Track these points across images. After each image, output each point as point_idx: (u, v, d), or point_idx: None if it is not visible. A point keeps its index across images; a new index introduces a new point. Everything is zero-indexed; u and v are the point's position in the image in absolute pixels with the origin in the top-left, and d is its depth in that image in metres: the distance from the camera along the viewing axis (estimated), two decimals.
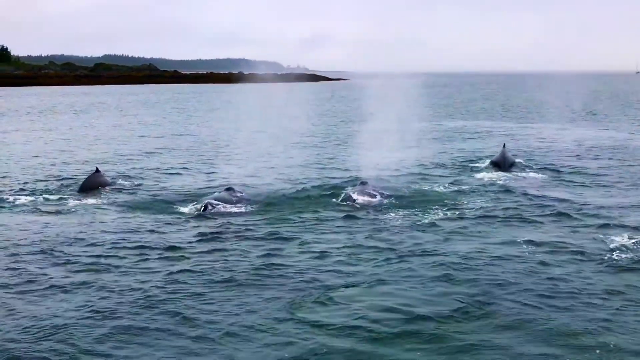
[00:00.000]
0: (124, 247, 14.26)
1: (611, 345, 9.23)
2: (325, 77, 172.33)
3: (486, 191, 20.24)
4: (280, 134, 36.28)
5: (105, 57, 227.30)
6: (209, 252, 13.93)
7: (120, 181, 22.68)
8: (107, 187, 21.36)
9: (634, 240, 14.14)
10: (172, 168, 26.28)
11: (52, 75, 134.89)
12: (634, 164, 26.59)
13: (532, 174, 23.89)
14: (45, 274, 12.44)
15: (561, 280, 11.90)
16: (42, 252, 13.91)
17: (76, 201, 19.25)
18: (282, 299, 11.12)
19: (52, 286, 11.79)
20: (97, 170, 22.37)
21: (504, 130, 42.05)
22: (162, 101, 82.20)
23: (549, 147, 32.47)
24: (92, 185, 21.14)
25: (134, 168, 26.15)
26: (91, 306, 10.81)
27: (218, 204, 17.94)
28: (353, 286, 11.71)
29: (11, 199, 19.53)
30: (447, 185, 21.42)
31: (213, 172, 25.10)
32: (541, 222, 16.32)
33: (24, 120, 50.85)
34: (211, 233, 15.47)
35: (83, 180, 21.78)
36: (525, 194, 19.68)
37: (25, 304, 10.96)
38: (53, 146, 33.90)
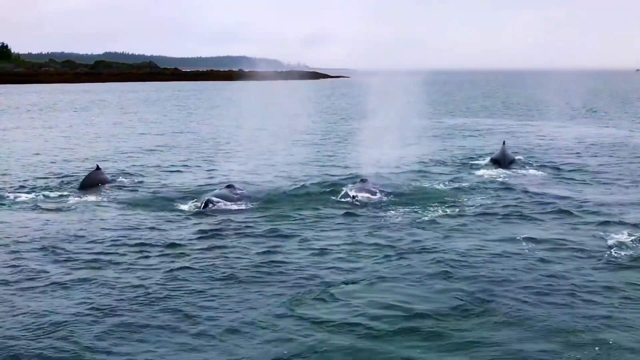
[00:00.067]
0: (125, 245, 14.29)
1: (610, 342, 9.26)
2: (325, 74, 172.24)
3: (486, 188, 20.27)
4: (281, 131, 36.29)
5: (106, 54, 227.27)
6: (209, 249, 13.96)
7: (120, 178, 22.70)
8: (107, 185, 21.39)
9: (633, 238, 14.17)
10: (172, 165, 26.30)
11: (52, 72, 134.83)
12: (634, 161, 26.61)
13: (532, 172, 23.91)
14: (45, 271, 12.47)
15: (561, 278, 11.93)
16: (43, 249, 13.94)
17: (76, 198, 19.27)
18: (282, 295, 11.15)
19: (52, 283, 11.82)
20: (98, 168, 22.39)
21: (504, 128, 42.04)
22: (163, 99, 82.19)
23: (549, 144, 32.48)
24: (93, 182, 21.17)
25: (134, 165, 26.17)
26: (91, 303, 10.84)
27: (218, 201, 17.96)
28: (353, 283, 11.75)
29: (12, 196, 19.55)
30: (447, 182, 21.44)
31: (213, 170, 25.12)
32: (541, 220, 16.35)
33: (25, 118, 50.85)
34: (211, 230, 15.50)
35: (83, 177, 21.80)
36: (525, 192, 19.71)
37: (25, 300, 10.99)
38: (53, 144, 33.92)
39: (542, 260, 12.99)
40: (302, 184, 21.15)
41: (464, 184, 21.01)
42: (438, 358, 8.94)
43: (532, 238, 14.50)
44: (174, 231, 15.47)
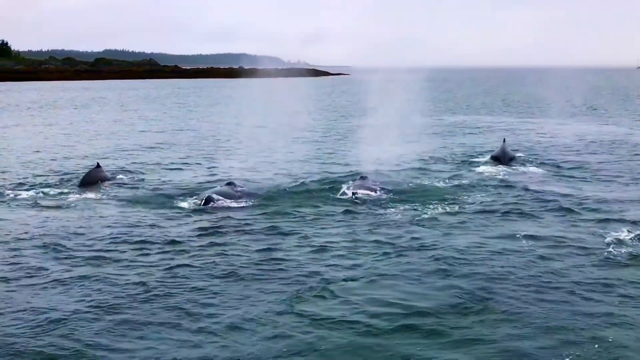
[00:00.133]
0: (125, 242, 14.30)
1: (610, 340, 9.26)
2: (325, 72, 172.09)
3: (486, 186, 20.28)
4: (281, 129, 36.30)
5: (106, 52, 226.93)
6: (209, 246, 13.97)
7: (120, 176, 22.72)
8: (107, 182, 21.40)
9: (633, 235, 14.18)
10: (172, 163, 26.32)
11: (52, 70, 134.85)
12: (634, 159, 26.61)
13: (532, 169, 23.92)
14: (45, 268, 12.49)
15: (560, 275, 11.94)
16: (43, 246, 13.95)
17: (77, 196, 19.29)
18: (282, 292, 11.17)
19: (52, 280, 11.84)
20: (98, 165, 22.40)
21: (504, 125, 42.04)
22: (163, 96, 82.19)
23: (549, 142, 32.47)
24: (93, 180, 21.19)
25: (134, 163, 26.18)
26: (92, 300, 10.86)
27: (219, 199, 17.98)
28: (353, 280, 11.76)
29: (12, 193, 19.57)
30: (446, 180, 21.45)
31: (213, 167, 25.14)
32: (540, 217, 16.36)
33: (25, 115, 50.86)
34: (212, 227, 15.51)
35: (83, 175, 21.81)
36: (525, 189, 19.72)
37: (25, 298, 11.00)
38: (54, 141, 33.93)
39: (541, 257, 13.00)
40: (302, 181, 21.17)
41: (463, 182, 21.02)
42: (437, 355, 8.94)
43: (532, 235, 14.51)
44: (174, 228, 15.48)
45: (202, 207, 17.56)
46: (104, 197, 19.23)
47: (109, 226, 15.66)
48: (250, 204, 18.08)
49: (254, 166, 24.78)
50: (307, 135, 35.59)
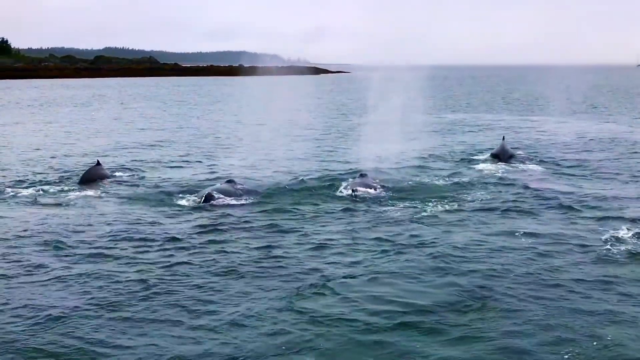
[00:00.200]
0: (125, 239, 14.32)
1: (609, 338, 9.26)
2: (325, 69, 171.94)
3: (485, 183, 20.30)
4: (281, 126, 36.30)
5: (106, 49, 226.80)
6: (209, 243, 13.99)
7: (120, 173, 22.73)
8: (107, 180, 21.41)
9: (632, 233, 14.20)
10: (172, 161, 26.33)
11: (52, 67, 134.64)
12: (634, 157, 26.64)
13: (531, 167, 23.95)
14: (45, 266, 12.50)
15: (559, 272, 11.96)
16: (42, 243, 13.96)
17: (77, 193, 19.30)
18: (282, 290, 11.19)
19: (52, 277, 11.85)
20: (98, 163, 22.41)
21: (504, 123, 42.07)
22: (163, 94, 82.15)
23: (549, 139, 32.50)
24: (93, 177, 21.19)
25: (134, 160, 26.19)
26: (91, 297, 10.87)
27: (219, 196, 18.00)
28: (352, 277, 11.78)
29: (12, 191, 19.59)
30: (446, 177, 21.47)
31: (213, 165, 25.16)
32: (540, 214, 16.38)
33: (25, 113, 50.85)
34: (211, 225, 15.53)
35: (83, 172, 21.82)
36: (525, 186, 19.74)
37: (25, 295, 11.02)
38: (54, 139, 33.93)
39: (540, 255, 13.02)
40: (301, 179, 21.18)
41: (463, 179, 21.04)
42: (437, 352, 8.95)
43: (531, 233, 14.54)
44: (174, 226, 15.50)
45: (202, 204, 17.58)
46: (103, 194, 19.25)
47: (109, 223, 15.68)
48: (250, 201, 18.10)
49: (254, 164, 24.79)
50: (307, 133, 35.60)
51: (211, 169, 24.25)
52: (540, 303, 10.52)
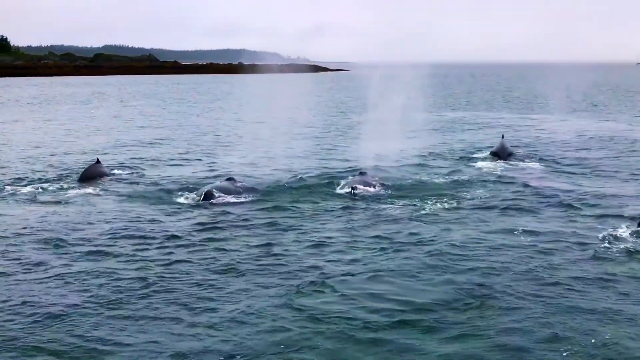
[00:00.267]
0: (124, 237, 14.34)
1: (607, 336, 9.29)
2: (325, 67, 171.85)
3: (484, 182, 20.32)
4: (281, 124, 36.29)
5: (105, 47, 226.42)
6: (208, 241, 14.01)
7: (120, 171, 22.74)
8: (107, 177, 21.42)
9: (631, 231, 14.22)
10: (172, 159, 26.33)
11: (51, 65, 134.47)
12: (633, 155, 26.65)
13: (531, 165, 23.97)
14: (45, 263, 12.52)
15: (558, 270, 11.98)
16: (42, 241, 13.99)
17: (76, 191, 19.31)
18: (281, 287, 11.21)
19: (51, 275, 11.87)
20: (98, 161, 22.42)
21: (504, 121, 42.08)
22: (162, 92, 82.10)
23: (549, 138, 32.52)
24: (92, 175, 21.20)
25: (134, 158, 26.20)
26: (91, 295, 10.90)
27: (218, 194, 18.02)
28: (351, 275, 11.80)
29: (11, 188, 19.60)
30: (445, 175, 21.49)
31: (213, 163, 25.17)
32: (539, 212, 16.41)
33: (25, 111, 50.83)
34: (211, 222, 15.55)
35: (83, 170, 21.82)
36: (524, 184, 19.77)
37: (25, 292, 11.04)
38: (53, 136, 33.93)
39: (540, 252, 13.05)
40: (301, 177, 21.19)
41: (462, 177, 21.07)
42: (436, 350, 8.98)
43: (530, 231, 14.56)
44: (174, 223, 15.52)
45: (201, 202, 17.59)
46: (103, 192, 19.26)
47: (108, 221, 15.69)
48: (250, 199, 18.12)
49: (254, 162, 24.81)
50: (306, 131, 35.59)
51: (211, 166, 24.26)
52: (539, 301, 10.55)
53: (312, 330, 9.51)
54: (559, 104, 52.40)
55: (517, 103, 61.47)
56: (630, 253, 12.95)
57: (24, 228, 15.02)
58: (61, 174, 22.20)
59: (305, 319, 9.91)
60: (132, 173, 22.60)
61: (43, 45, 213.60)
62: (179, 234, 14.49)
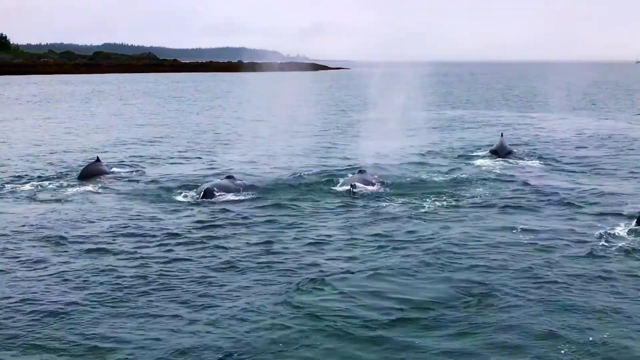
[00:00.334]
0: (124, 234, 14.37)
1: (605, 334, 9.30)
2: (325, 66, 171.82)
3: (483, 180, 20.34)
4: (280, 122, 36.31)
5: (105, 45, 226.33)
6: (208, 238, 14.04)
7: (120, 169, 22.76)
8: (106, 175, 21.44)
9: (629, 229, 14.26)
10: (171, 157, 26.34)
11: (51, 63, 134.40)
12: (632, 153, 26.68)
13: (529, 163, 24.00)
14: (44, 261, 12.55)
15: (557, 268, 12.00)
16: (42, 239, 14.01)
17: (76, 189, 19.33)
18: (280, 284, 11.23)
19: (51, 272, 11.90)
20: (98, 159, 22.44)
21: (503, 120, 42.08)
22: (162, 90, 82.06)
23: (548, 136, 32.53)
24: (92, 173, 21.22)
25: (134, 156, 26.21)
26: (90, 292, 10.93)
27: (218, 192, 18.04)
28: (350, 273, 11.82)
29: (11, 186, 19.62)
30: (444, 173, 21.51)
31: (213, 161, 25.19)
32: (537, 210, 16.43)
33: (24, 109, 50.81)
34: (210, 220, 15.57)
35: (82, 168, 21.83)
36: (522, 183, 19.80)
37: (24, 289, 11.06)
38: (53, 134, 33.92)
39: (538, 250, 13.08)
40: (301, 174, 21.22)
41: (461, 175, 21.10)
42: (435, 347, 9.00)
43: (529, 228, 14.59)
44: (174, 221, 15.54)
45: (201, 200, 17.62)
46: (103, 190, 19.28)
47: (108, 219, 15.71)
48: (249, 197, 18.14)
49: (253, 160, 24.84)
50: (306, 129, 35.59)
51: (210, 164, 24.28)
52: (537, 298, 10.57)
53: (311, 328, 9.54)
54: (559, 103, 52.42)
55: (516, 101, 61.47)
56: (628, 251, 12.97)
57: (24, 226, 15.04)
58: (61, 172, 22.22)
59: (305, 316, 9.93)
60: (132, 171, 22.62)
61: (42, 44, 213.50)
62: (179, 232, 14.51)
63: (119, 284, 11.30)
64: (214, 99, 64.64)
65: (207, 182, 19.57)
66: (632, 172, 22.11)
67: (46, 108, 52.14)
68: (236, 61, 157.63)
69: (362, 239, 13.97)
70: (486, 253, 12.93)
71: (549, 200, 17.44)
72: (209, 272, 11.91)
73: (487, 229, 14.62)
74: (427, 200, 17.46)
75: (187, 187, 19.49)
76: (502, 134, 28.09)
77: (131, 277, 11.61)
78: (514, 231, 14.43)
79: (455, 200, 17.50)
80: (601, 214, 15.90)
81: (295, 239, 14.03)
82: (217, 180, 19.41)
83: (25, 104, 56.41)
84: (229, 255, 12.83)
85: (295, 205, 17.08)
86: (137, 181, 20.76)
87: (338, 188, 19.07)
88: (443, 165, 23.37)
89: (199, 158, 26.05)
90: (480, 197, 17.88)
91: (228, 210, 16.48)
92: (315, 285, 11.14)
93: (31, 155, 26.31)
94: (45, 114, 47.02)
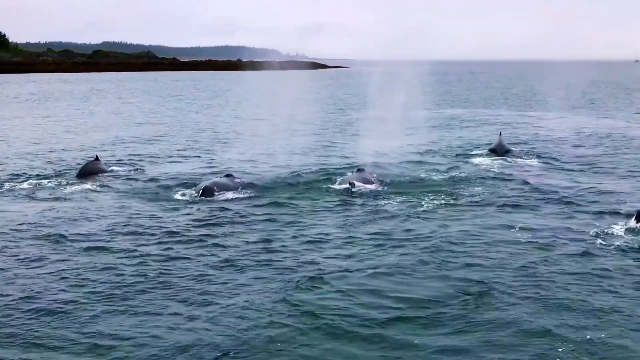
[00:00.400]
0: (123, 232, 14.38)
1: (603, 333, 9.32)
2: (324, 64, 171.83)
3: (482, 178, 20.37)
4: (279, 121, 36.34)
5: (104, 44, 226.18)
6: (206, 236, 14.05)
7: (118, 168, 22.76)
8: (105, 174, 21.45)
9: (628, 228, 14.29)
10: (171, 155, 26.35)
11: (50, 62, 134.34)
12: (630, 152, 26.70)
13: (528, 161, 24.02)
14: (43, 259, 12.56)
15: (555, 267, 12.03)
16: (41, 237, 14.01)
17: (74, 187, 19.34)
18: (278, 282, 11.25)
19: (50, 270, 11.90)
20: (97, 158, 22.46)
21: (502, 119, 42.10)
22: (161, 88, 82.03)
23: (547, 135, 32.55)
24: (91, 171, 21.24)
25: (132, 155, 26.22)
26: (89, 290, 10.94)
27: (217, 190, 18.06)
28: (349, 271, 11.84)
29: (10, 184, 19.63)
30: (443, 172, 21.54)
31: (212, 159, 25.20)
32: (536, 209, 16.45)
33: (23, 107, 50.79)
34: (209, 218, 15.59)
35: (81, 166, 21.83)
36: (521, 181, 19.83)
37: (23, 288, 11.07)
38: (52, 133, 33.93)
39: (536, 249, 13.10)
40: (300, 173, 21.23)
41: (460, 174, 21.12)
42: (433, 345, 9.02)
43: (527, 227, 14.61)
44: (172, 219, 15.56)
45: (199, 198, 17.63)
46: (102, 188, 19.29)
47: (107, 217, 15.73)
48: (248, 195, 18.16)
49: (252, 158, 24.85)
50: (305, 128, 35.60)
51: (209, 163, 24.29)
52: (535, 297, 10.60)
53: (310, 326, 9.56)
54: (558, 102, 52.47)
55: (515, 100, 61.49)
56: (626, 250, 13.00)
57: (23, 224, 15.05)
58: (60, 171, 22.23)
59: (303, 314, 9.95)
60: (131, 169, 22.63)
61: (41, 42, 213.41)
62: (178, 230, 14.53)
63: (118, 281, 11.32)
64: (213, 98, 64.62)
65: (206, 180, 19.59)
66: (630, 171, 22.15)
67: (45, 106, 52.12)
68: (235, 60, 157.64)
69: (361, 237, 13.99)
70: (484, 251, 12.95)
71: (547, 198, 17.47)
72: (208, 270, 11.93)
73: (485, 227, 14.65)
74: (426, 198, 17.49)
75: (186, 185, 19.51)
76: (500, 132, 28.13)
77: (130, 275, 11.63)
78: (512, 229, 14.46)
79: (454, 198, 17.53)
80: (599, 212, 15.93)
81: (293, 237, 14.05)
82: (216, 179, 19.43)
83: (24, 102, 56.39)
84: (228, 253, 12.85)
85: (294, 204, 17.10)
86: (136, 179, 20.77)
87: (337, 186, 19.09)
88: (442, 164, 23.39)
89: (198, 156, 26.07)
90: (479, 195, 17.90)
91: (227, 209, 16.50)
92: (314, 284, 11.16)
93: (30, 153, 26.32)
94: (44, 112, 47.01)
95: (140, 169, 22.72)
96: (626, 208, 16.19)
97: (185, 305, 10.33)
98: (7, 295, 10.74)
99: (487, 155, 25.19)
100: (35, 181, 20.21)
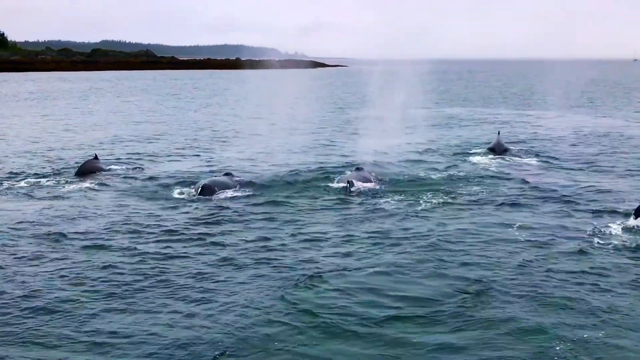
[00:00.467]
0: (121, 231, 14.39)
1: (600, 333, 9.33)
2: (323, 63, 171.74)
3: (480, 177, 20.40)
4: (278, 120, 36.35)
5: (103, 42, 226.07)
6: (205, 235, 14.07)
7: (117, 166, 22.77)
8: (104, 172, 21.46)
9: (626, 226, 14.32)
10: (169, 154, 26.36)
11: (49, 60, 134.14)
12: (629, 151, 26.73)
13: (527, 160, 24.05)
14: (42, 257, 12.57)
15: (553, 265, 12.05)
16: (39, 235, 14.02)
17: (73, 186, 19.35)
18: (277, 280, 11.27)
19: (48, 269, 11.91)
20: (95, 157, 22.47)
21: (501, 117, 42.12)
22: (160, 87, 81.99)
23: (546, 133, 32.58)
24: (90, 170, 21.24)
25: (131, 153, 26.23)
26: (87, 288, 10.96)
27: (216, 188, 18.08)
28: (347, 269, 11.86)
29: (9, 183, 19.63)
30: (442, 171, 21.56)
31: (211, 158, 25.21)
32: (534, 207, 16.47)
33: (22, 106, 50.77)
34: (208, 216, 15.61)
35: (80, 165, 21.84)
36: (519, 180, 19.86)
37: (21, 286, 11.08)
38: (51, 132, 33.92)
39: (534, 247, 13.12)
40: (298, 171, 21.25)
41: (458, 173, 21.15)
42: (431, 343, 9.03)
43: (525, 225, 14.63)
44: (171, 217, 15.57)
45: (198, 196, 17.65)
46: (100, 187, 19.30)
47: (105, 216, 15.74)
48: (247, 194, 18.18)
49: (251, 157, 24.87)
50: (304, 127, 35.61)
51: (208, 161, 24.30)
52: (533, 295, 10.61)
53: (308, 324, 9.58)
54: (557, 101, 52.51)
55: (514, 99, 61.51)
56: (623, 248, 13.03)
57: (21, 222, 15.06)
58: (58, 169, 22.24)
59: (301, 312, 9.97)
60: (130, 168, 22.63)
61: (40, 41, 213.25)
62: (176, 228, 14.54)
63: (117, 280, 11.33)
64: (212, 97, 64.61)
65: (204, 178, 19.60)
66: (628, 170, 22.18)
67: (44, 105, 52.09)
68: (234, 58, 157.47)
69: (359, 236, 14.01)
70: (482, 250, 12.98)
71: (546, 197, 17.50)
72: (206, 268, 11.95)
73: (483, 226, 14.67)
74: (424, 197, 17.51)
75: (184, 184, 19.52)
76: (499, 131, 28.17)
77: (129, 273, 11.64)
78: (510, 228, 14.48)
79: (452, 197, 17.55)
80: (597, 211, 15.95)
81: (292, 235, 14.07)
82: (215, 177, 19.45)
83: (22, 101, 56.35)
84: (226, 252, 12.86)
85: (293, 202, 17.12)
86: (135, 178, 20.78)
87: (335, 185, 19.11)
88: (440, 163, 23.42)
89: (197, 155, 26.08)
90: (477, 194, 17.93)
91: (225, 207, 16.52)
92: (312, 282, 11.18)
93: (29, 152, 26.32)
94: (43, 111, 46.99)
95: (139, 168, 22.72)
96: (624, 207, 16.21)
97: (184, 303, 10.35)
98: (6, 293, 10.75)
99: (485, 154, 25.22)
100: (33, 180, 20.22)
